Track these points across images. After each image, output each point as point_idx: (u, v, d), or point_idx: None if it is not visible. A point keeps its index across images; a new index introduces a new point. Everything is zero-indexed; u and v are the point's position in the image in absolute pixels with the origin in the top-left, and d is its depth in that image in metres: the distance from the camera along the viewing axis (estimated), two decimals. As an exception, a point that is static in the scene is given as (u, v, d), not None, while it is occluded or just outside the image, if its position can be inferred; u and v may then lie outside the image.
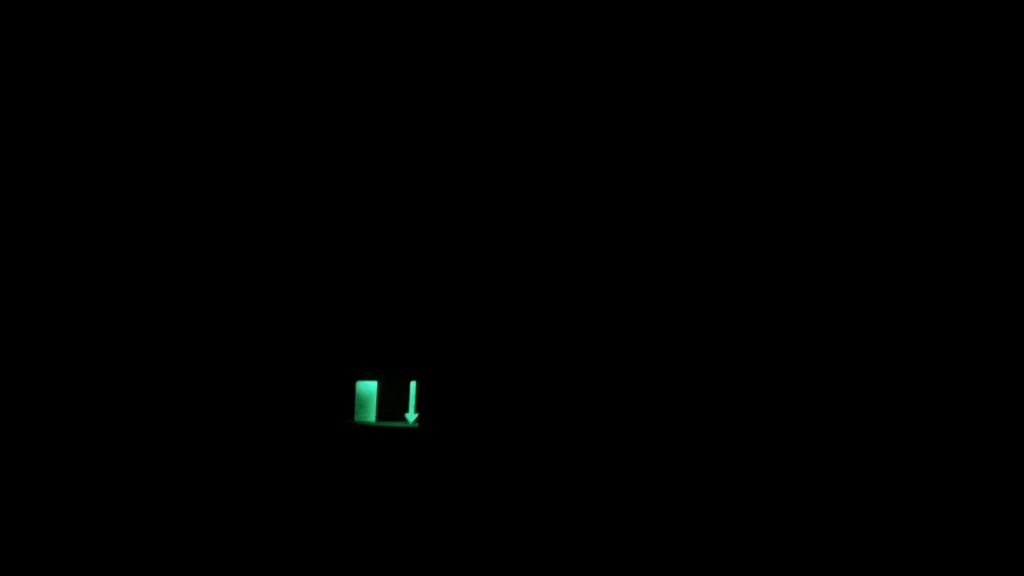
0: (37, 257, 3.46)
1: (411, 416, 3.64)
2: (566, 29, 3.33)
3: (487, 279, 3.56)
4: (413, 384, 3.67)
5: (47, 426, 3.62)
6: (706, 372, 3.31)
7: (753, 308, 3.28)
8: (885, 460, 3.14)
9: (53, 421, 3.62)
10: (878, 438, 3.17)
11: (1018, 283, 3.04)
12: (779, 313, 3.26)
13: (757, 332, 3.28)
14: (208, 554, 3.51)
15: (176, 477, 3.65)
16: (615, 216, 3.41)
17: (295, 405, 3.73)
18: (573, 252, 3.45)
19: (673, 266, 3.33)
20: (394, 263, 3.84)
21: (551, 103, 3.39)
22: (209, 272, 3.77)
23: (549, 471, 3.43)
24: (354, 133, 3.65)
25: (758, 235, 3.27)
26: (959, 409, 3.10)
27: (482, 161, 3.51)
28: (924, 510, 3.09)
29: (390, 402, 3.76)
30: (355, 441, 3.57)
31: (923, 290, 3.15)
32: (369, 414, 3.69)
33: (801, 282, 3.25)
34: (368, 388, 3.70)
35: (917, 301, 3.16)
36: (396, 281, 3.79)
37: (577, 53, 3.36)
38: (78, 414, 3.66)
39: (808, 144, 3.23)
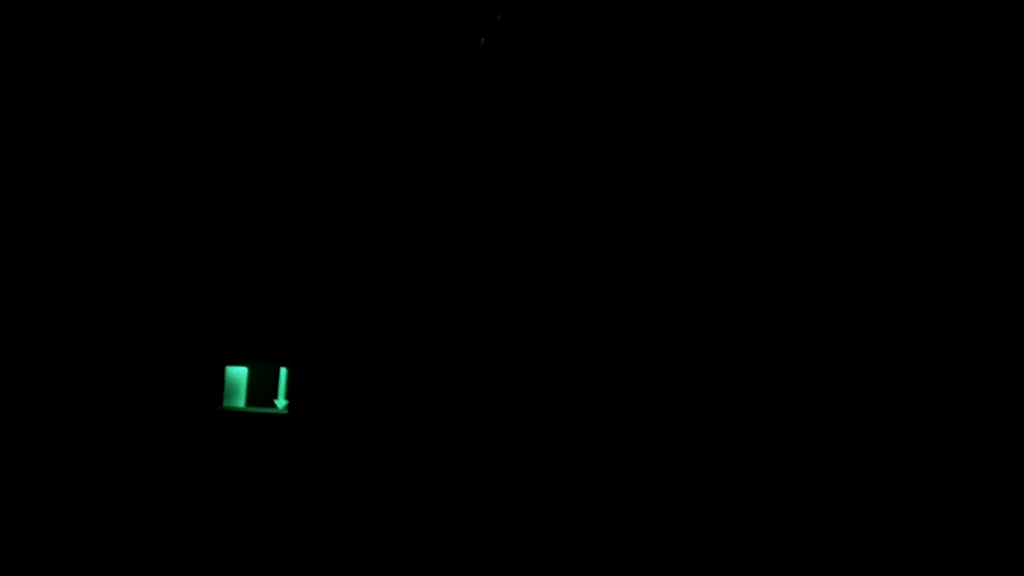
0: None
1: (281, 402, 3.64)
2: (562, 29, 3.29)
3: (358, 264, 3.56)
4: (284, 370, 3.67)
5: None
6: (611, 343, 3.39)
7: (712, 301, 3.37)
8: (883, 459, 3.17)
9: None
10: (875, 437, 3.20)
11: (1017, 283, 3.08)
12: (755, 310, 3.34)
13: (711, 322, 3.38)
14: (79, 546, 3.46)
15: (47, 467, 3.55)
16: (493, 193, 3.44)
17: (164, 391, 3.66)
18: (440, 238, 3.48)
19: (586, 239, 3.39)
20: (266, 248, 3.78)
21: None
22: (78, 258, 3.62)
23: (418, 457, 3.50)
24: (224, 123, 3.54)
25: (741, 234, 3.32)
26: (958, 409, 3.12)
27: (346, 142, 3.48)
28: (923, 510, 3.10)
29: (260, 388, 3.75)
30: (225, 427, 3.56)
31: (922, 290, 3.19)
32: (239, 400, 3.67)
33: (798, 281, 3.28)
34: (238, 374, 3.68)
35: (916, 301, 3.22)
36: (267, 266, 3.74)
37: (556, 52, 3.34)
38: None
39: (808, 144, 3.22)
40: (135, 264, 3.61)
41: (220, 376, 3.68)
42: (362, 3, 3.10)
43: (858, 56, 3.23)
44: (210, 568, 3.39)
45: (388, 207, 3.49)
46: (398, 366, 3.50)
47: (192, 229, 3.64)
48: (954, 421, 3.10)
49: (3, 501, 3.50)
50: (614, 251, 3.32)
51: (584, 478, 3.35)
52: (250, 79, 3.44)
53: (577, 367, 3.37)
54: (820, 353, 3.23)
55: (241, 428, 3.55)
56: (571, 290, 3.36)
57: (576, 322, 3.36)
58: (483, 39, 3.19)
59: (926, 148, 3.17)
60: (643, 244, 3.34)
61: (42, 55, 2.99)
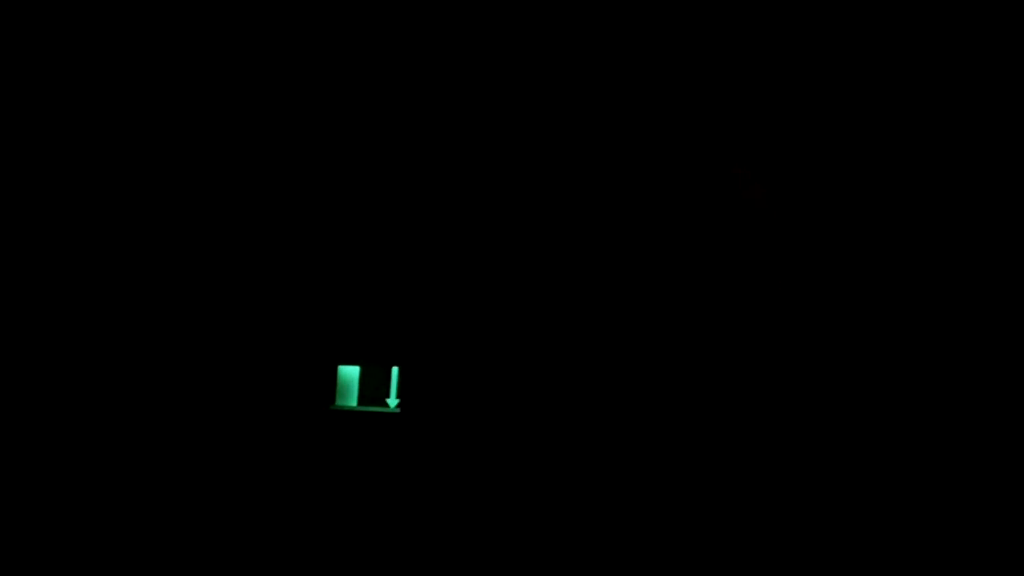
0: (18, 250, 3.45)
1: (392, 401, 3.67)
2: (559, 29, 3.32)
3: (469, 268, 3.58)
4: (395, 370, 3.70)
5: (41, 423, 3.64)
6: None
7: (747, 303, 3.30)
8: (879, 458, 3.17)
9: (46, 417, 3.64)
10: (872, 436, 3.20)
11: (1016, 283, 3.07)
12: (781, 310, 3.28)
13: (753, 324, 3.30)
14: (193, 541, 3.55)
15: (162, 465, 3.68)
16: (597, 209, 3.42)
17: (278, 391, 3.75)
18: (553, 244, 3.47)
19: (648, 254, 3.35)
20: (380, 252, 3.85)
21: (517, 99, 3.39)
22: (194, 262, 3.77)
23: (528, 457, 3.47)
24: (343, 127, 3.64)
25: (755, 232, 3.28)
26: (955, 409, 3.11)
27: (466, 156, 3.52)
28: (922, 510, 3.09)
29: (372, 387, 3.80)
30: (337, 426, 3.61)
31: (919, 291, 3.15)
32: (351, 399, 3.72)
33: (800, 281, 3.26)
34: (350, 373, 3.73)
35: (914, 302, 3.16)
36: (381, 269, 3.80)
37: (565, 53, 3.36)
38: (55, 406, 3.67)
39: (807, 145, 3.22)
40: (257, 268, 3.73)
41: (333, 376, 3.74)
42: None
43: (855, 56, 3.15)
44: (328, 559, 3.41)
45: (501, 213, 3.51)
46: (507, 366, 3.48)
47: (312, 235, 3.74)
48: (953, 420, 3.04)
49: (122, 494, 3.63)
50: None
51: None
52: (361, 83, 3.53)
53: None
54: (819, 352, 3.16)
55: (353, 426, 3.59)
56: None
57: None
58: None
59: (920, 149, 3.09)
60: (628, 239, 3.26)
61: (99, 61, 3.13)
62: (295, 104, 3.62)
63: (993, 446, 3.01)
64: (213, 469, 3.71)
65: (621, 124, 3.29)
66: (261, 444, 3.72)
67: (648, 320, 3.33)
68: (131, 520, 3.59)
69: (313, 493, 3.65)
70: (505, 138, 3.41)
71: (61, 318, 3.63)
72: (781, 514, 3.16)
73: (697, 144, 3.22)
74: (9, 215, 3.14)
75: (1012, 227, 2.99)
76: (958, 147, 3.06)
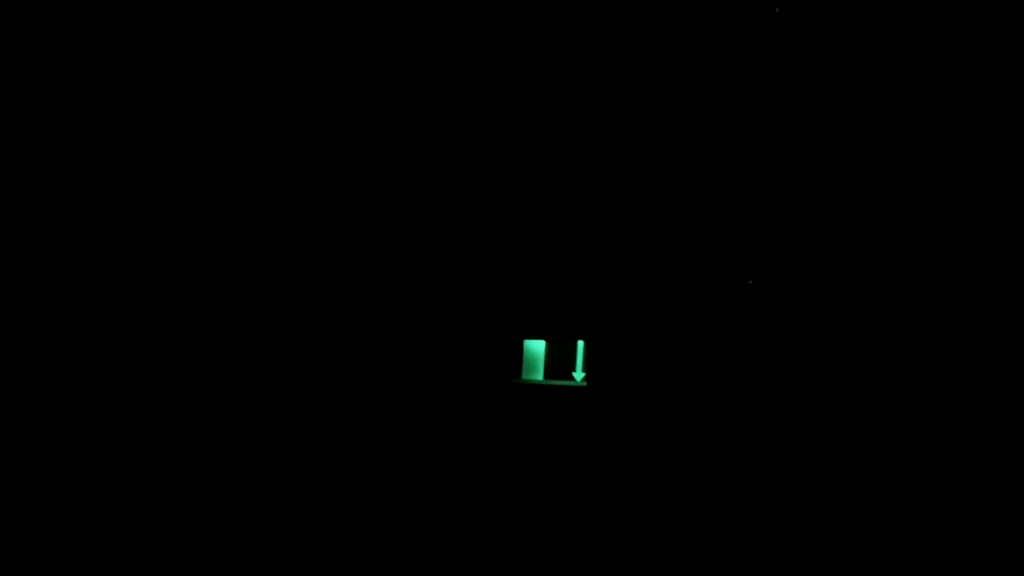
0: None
1: (578, 375, 3.63)
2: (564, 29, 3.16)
3: (655, 239, 3.47)
4: (580, 344, 3.66)
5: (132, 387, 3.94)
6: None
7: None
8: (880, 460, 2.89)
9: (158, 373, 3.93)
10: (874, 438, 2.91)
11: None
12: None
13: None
14: (373, 511, 3.69)
15: (349, 434, 3.86)
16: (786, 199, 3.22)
17: (465, 364, 3.83)
18: (739, 224, 3.30)
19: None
20: (560, 225, 3.83)
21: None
22: (384, 230, 3.94)
23: (715, 433, 3.31)
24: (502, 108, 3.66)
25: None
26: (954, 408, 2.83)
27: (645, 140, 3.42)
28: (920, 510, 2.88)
29: (558, 361, 3.78)
30: (523, 399, 3.62)
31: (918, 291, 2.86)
32: (537, 373, 3.72)
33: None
34: (536, 347, 3.73)
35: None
36: (567, 245, 3.78)
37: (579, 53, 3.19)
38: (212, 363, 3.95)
39: (808, 145, 2.96)
40: (438, 244, 3.83)
41: (519, 350, 3.77)
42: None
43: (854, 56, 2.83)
44: (511, 534, 3.43)
45: (683, 189, 3.37)
46: (694, 340, 3.34)
47: (495, 210, 3.79)
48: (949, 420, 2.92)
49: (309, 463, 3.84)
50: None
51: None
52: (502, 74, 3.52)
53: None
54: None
55: (540, 399, 3.59)
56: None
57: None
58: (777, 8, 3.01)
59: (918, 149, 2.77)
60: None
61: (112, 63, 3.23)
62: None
63: (994, 447, 2.87)
64: (397, 441, 3.84)
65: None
66: (448, 417, 3.81)
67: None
68: (292, 485, 3.79)
69: (500, 466, 3.69)
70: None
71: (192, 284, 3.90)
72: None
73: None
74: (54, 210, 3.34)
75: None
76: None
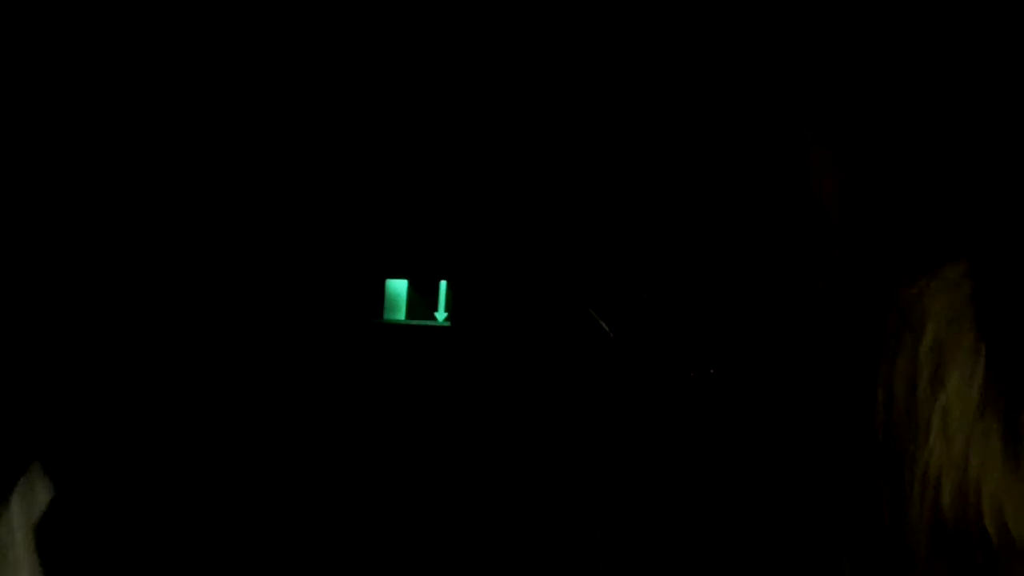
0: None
1: (441, 315, 3.64)
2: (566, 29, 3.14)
3: (515, 179, 3.50)
4: (443, 283, 3.66)
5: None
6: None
7: None
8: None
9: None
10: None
11: None
12: None
13: None
14: (234, 454, 3.60)
15: (207, 378, 3.71)
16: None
17: (325, 304, 3.73)
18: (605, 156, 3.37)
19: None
20: (421, 164, 3.77)
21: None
22: (238, 172, 3.73)
23: (579, 376, 3.44)
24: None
25: None
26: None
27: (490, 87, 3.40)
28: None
29: (420, 301, 3.77)
30: (385, 339, 3.60)
31: None
32: (399, 313, 3.69)
33: None
34: (398, 287, 3.69)
35: None
36: (426, 180, 3.74)
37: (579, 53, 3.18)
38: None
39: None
40: (296, 182, 3.68)
41: (380, 289, 3.73)
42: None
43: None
44: (371, 474, 3.45)
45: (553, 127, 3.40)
46: (558, 281, 3.43)
47: (355, 150, 3.68)
48: None
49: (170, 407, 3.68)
50: None
51: None
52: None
53: None
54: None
55: (402, 339, 3.59)
56: None
57: None
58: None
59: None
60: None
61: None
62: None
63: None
64: (258, 381, 3.74)
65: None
66: (309, 357, 3.73)
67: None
68: (180, 431, 3.64)
69: (363, 406, 3.67)
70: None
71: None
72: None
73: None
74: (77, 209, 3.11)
75: None
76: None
